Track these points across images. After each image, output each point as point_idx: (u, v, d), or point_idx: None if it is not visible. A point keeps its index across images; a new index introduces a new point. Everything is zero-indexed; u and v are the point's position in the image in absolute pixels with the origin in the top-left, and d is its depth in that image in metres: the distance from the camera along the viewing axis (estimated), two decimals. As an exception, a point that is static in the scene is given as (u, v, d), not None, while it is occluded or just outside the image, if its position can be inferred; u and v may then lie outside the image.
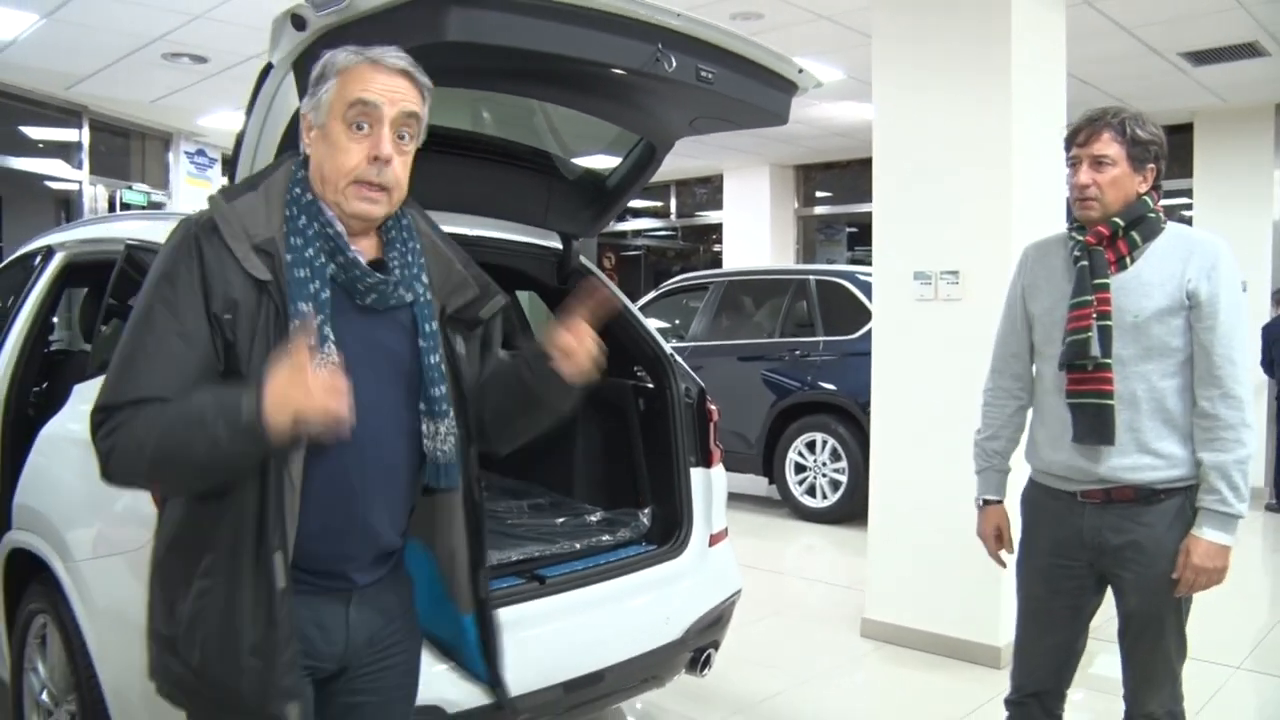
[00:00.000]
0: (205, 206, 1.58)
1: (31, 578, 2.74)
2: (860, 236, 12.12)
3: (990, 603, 4.08)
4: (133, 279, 2.98)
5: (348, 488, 1.58)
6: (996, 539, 2.59)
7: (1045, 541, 2.45)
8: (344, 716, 1.69)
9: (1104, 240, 2.30)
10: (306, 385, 1.34)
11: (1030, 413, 2.55)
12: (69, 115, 9.08)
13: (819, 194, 12.21)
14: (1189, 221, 8.27)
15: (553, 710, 2.65)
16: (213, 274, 1.49)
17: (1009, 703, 2.58)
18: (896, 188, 4.45)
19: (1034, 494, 2.52)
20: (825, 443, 7.01)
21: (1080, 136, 2.32)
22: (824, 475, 7.02)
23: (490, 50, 2.12)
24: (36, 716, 2.79)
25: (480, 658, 1.89)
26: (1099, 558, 2.37)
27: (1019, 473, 2.61)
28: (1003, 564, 2.63)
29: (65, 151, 9.33)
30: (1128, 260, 2.30)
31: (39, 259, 3.56)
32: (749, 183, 12.03)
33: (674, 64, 2.30)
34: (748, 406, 7.32)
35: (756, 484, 7.80)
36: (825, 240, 12.59)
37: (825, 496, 7.03)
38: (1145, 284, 2.28)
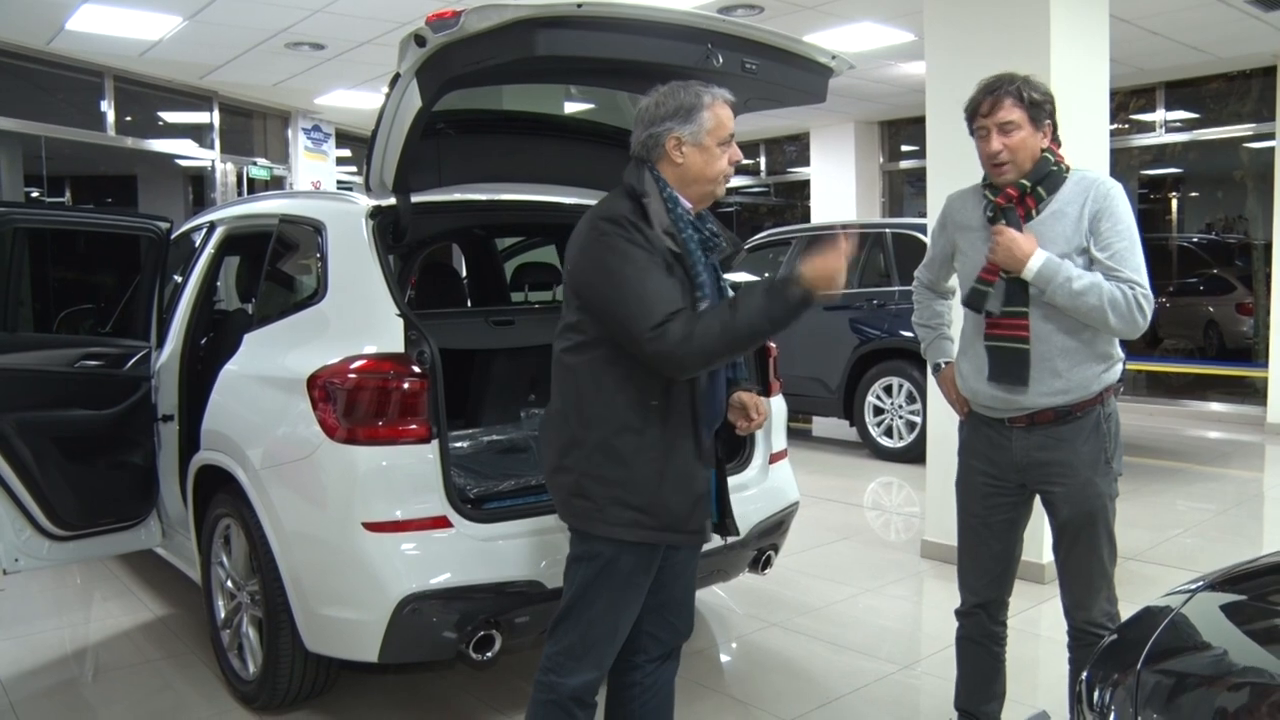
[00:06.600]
0: (621, 203, 2.29)
1: (215, 490, 3.41)
2: (948, 189, 12.21)
3: (1035, 523, 4.44)
4: (286, 247, 3.59)
5: (717, 381, 2.42)
6: (958, 398, 2.79)
7: (981, 462, 2.70)
8: None
9: (1014, 200, 2.53)
10: (830, 272, 2.28)
11: (957, 341, 2.81)
12: (202, 100, 9.93)
13: (905, 148, 12.38)
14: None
15: None
16: (654, 250, 2.21)
17: (959, 614, 2.85)
18: (946, 144, 4.83)
19: (970, 418, 2.77)
20: (901, 386, 7.39)
21: (984, 107, 2.52)
22: (900, 417, 7.42)
23: (573, 59, 2.64)
24: (222, 600, 3.47)
25: (715, 503, 2.51)
26: (1029, 476, 2.62)
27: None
28: (964, 415, 2.81)
29: (198, 133, 10.20)
30: (1034, 213, 2.53)
31: (203, 233, 4.21)
32: (835, 139, 12.28)
33: (721, 60, 2.78)
34: (829, 353, 7.71)
35: (838, 427, 8.27)
36: (916, 194, 12.66)
37: (901, 437, 7.43)
38: (1048, 229, 2.51)
